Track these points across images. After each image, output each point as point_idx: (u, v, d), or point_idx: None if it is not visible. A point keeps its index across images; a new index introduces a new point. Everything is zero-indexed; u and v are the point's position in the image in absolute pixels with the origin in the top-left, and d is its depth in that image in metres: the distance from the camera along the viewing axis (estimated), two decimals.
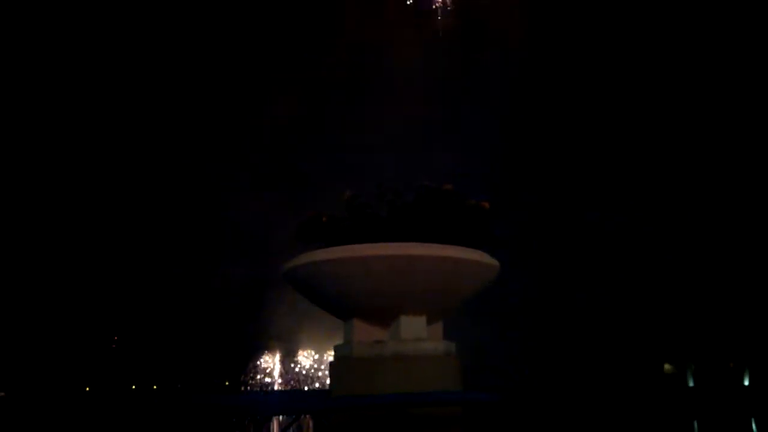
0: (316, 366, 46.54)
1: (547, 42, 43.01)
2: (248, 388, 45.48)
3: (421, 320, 6.66)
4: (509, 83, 42.98)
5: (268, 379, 47.08)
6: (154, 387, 46.78)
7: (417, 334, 6.58)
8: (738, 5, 39.59)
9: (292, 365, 48.35)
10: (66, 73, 46.20)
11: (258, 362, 48.63)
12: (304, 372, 49.24)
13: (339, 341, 7.26)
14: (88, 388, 44.69)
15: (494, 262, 6.80)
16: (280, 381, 46.53)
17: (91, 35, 45.57)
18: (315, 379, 45.70)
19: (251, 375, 47.62)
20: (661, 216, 44.12)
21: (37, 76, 45.18)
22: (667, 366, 43.05)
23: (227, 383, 48.01)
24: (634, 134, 44.68)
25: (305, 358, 47.32)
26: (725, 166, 42.81)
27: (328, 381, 7.69)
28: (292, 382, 45.57)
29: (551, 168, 45.95)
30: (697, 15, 41.52)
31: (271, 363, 48.27)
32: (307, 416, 7.24)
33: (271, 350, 48.72)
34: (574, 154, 45.65)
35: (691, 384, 39.01)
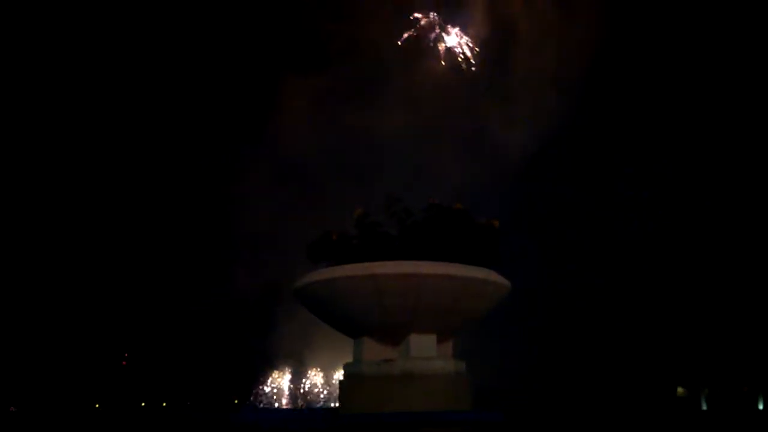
0: (324, 384, 46.35)
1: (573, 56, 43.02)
2: (258, 405, 45.39)
3: (431, 339, 6.65)
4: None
5: (278, 398, 46.93)
6: (164, 404, 46.80)
7: (427, 352, 6.57)
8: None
9: (302, 384, 48.23)
10: (69, 74, 46.65)
11: (267, 380, 48.55)
12: (316, 390, 49.06)
13: (349, 360, 7.25)
14: (98, 405, 44.76)
15: (505, 281, 6.80)
16: (288, 400, 46.41)
17: (99, 36, 45.97)
18: (325, 398, 45.52)
19: (260, 393, 47.53)
20: (678, 243, 43.87)
21: (39, 80, 45.59)
22: (680, 389, 42.59)
23: (236, 401, 48.00)
24: (651, 152, 44.47)
25: (314, 377, 47.19)
26: (750, 193, 42.56)
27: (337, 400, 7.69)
28: (300, 402, 45.41)
29: (564, 189, 45.84)
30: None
31: (280, 381, 48.18)
32: None
33: (280, 369, 48.68)
34: (587, 175, 45.52)
35: (704, 408, 38.60)
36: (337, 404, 6.96)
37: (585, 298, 43.67)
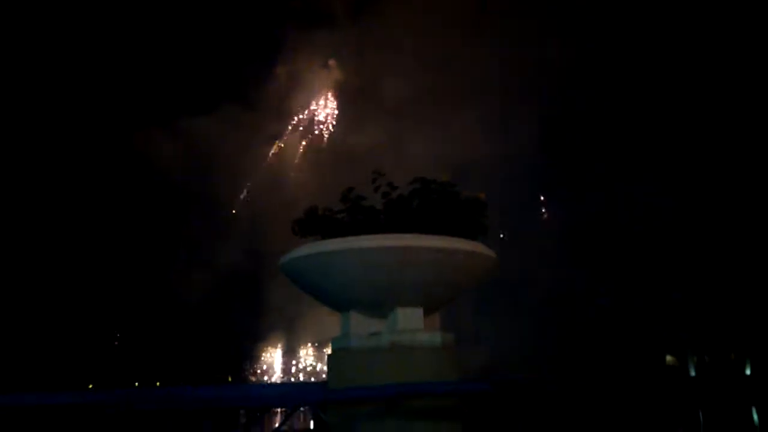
0: (316, 361, 46.54)
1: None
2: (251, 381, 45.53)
3: (418, 312, 6.68)
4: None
5: (269, 374, 47.14)
6: (157, 383, 46.91)
7: (414, 325, 6.61)
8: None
9: (294, 360, 48.43)
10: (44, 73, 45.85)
11: (260, 357, 48.73)
12: (309, 368, 49.30)
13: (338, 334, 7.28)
14: (90, 386, 44.83)
15: (491, 253, 6.81)
16: (281, 375, 46.63)
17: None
18: (316, 374, 45.73)
19: (253, 369, 47.72)
20: (665, 211, 44.15)
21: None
22: (669, 357, 43.07)
23: (230, 378, 48.17)
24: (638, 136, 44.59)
25: (306, 353, 47.38)
26: (728, 165, 42.81)
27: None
28: (293, 377, 45.63)
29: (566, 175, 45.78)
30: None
31: (272, 358, 48.36)
32: (305, 408, 7.29)
33: (272, 345, 48.84)
34: (585, 160, 45.55)
35: (693, 374, 39.04)
36: (326, 378, 6.99)
37: (575, 274, 43.94)
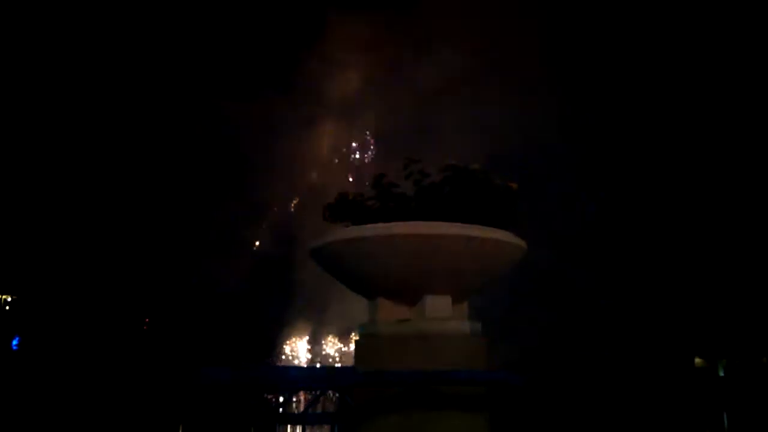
0: (340, 350, 46.67)
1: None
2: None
3: (447, 299, 6.66)
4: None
5: (293, 361, 47.39)
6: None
7: (442, 313, 6.59)
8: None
9: (319, 348, 48.63)
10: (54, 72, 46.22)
11: (286, 344, 48.99)
12: (335, 356, 49.49)
13: (360, 322, 7.30)
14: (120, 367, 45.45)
15: (521, 242, 6.77)
16: (305, 363, 46.86)
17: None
18: (341, 363, 45.88)
19: (279, 356, 48.01)
20: (694, 212, 43.54)
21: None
22: (698, 360, 42.52)
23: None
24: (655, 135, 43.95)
25: (332, 341, 47.55)
26: (753, 168, 42.09)
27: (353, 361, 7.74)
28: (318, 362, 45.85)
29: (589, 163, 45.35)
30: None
31: (298, 345, 48.59)
32: (331, 392, 7.32)
33: (297, 332, 49.05)
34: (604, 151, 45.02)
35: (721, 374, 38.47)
36: (353, 364, 7.02)
37: (604, 272, 43.56)
